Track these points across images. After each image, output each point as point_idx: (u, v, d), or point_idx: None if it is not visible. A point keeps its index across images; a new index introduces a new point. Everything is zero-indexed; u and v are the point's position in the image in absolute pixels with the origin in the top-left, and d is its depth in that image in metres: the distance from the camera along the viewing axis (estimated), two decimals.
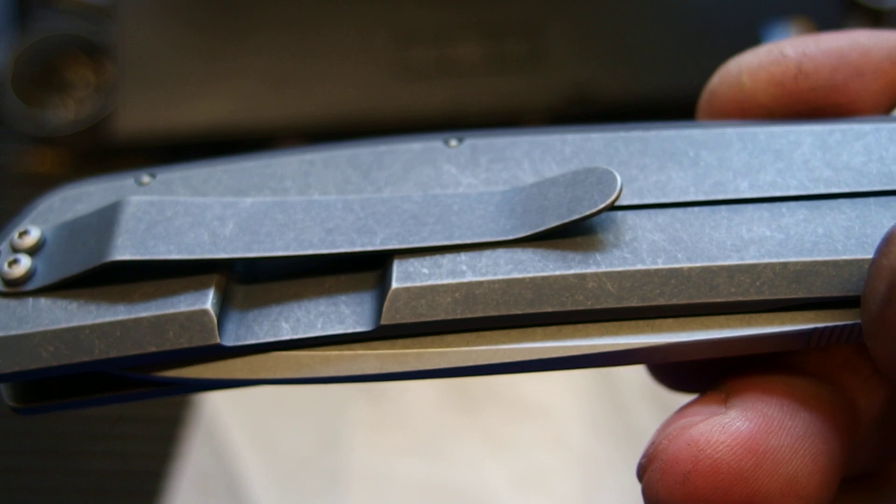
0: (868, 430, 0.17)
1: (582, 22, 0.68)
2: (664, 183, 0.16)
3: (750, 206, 0.16)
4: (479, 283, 0.15)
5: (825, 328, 0.15)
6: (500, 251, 0.15)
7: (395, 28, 0.68)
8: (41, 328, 0.14)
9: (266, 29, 0.68)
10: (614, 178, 0.15)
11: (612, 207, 0.15)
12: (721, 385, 0.17)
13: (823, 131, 0.18)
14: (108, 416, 0.64)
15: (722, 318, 0.15)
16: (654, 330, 0.15)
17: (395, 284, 0.14)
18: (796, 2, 0.68)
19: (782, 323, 0.15)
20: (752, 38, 0.67)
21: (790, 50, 0.19)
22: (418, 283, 0.14)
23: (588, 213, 0.15)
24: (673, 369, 0.19)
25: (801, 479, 0.15)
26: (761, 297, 0.15)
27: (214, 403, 0.63)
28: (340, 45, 0.67)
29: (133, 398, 0.15)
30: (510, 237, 0.15)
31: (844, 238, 0.16)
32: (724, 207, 0.16)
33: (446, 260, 0.15)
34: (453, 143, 0.17)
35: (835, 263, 0.15)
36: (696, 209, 0.16)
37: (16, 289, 0.15)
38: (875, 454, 0.19)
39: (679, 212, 0.16)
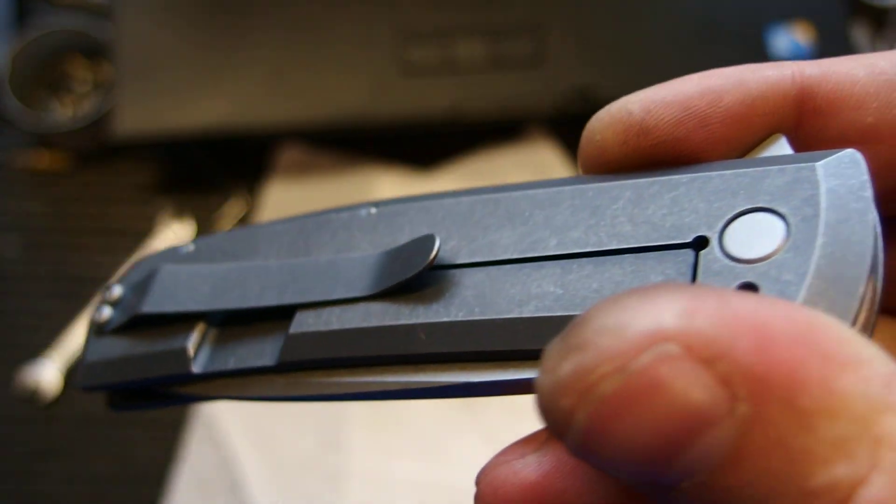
0: None
1: (585, 23, 0.68)
2: (495, 242, 0.19)
3: (550, 264, 0.18)
4: (340, 332, 0.19)
5: None
6: (361, 305, 0.19)
7: (397, 27, 0.68)
8: (106, 358, 0.21)
9: (267, 27, 0.67)
10: (433, 245, 0.18)
11: (437, 267, 0.18)
12: None
13: (644, 185, 0.18)
14: (108, 420, 0.64)
15: (513, 363, 0.17)
16: (460, 371, 0.18)
17: (290, 331, 0.19)
18: (802, 2, 0.67)
19: None
20: (756, 40, 0.66)
21: (636, 106, 0.19)
22: (304, 330, 0.19)
23: (410, 274, 0.18)
24: None
25: None
26: (532, 347, 0.17)
27: (215, 407, 0.63)
28: (342, 43, 0.67)
29: (166, 405, 0.21)
30: (368, 293, 0.19)
31: (612, 293, 0.17)
32: (529, 265, 0.18)
33: (326, 312, 0.19)
34: (372, 210, 0.20)
35: None
36: (509, 267, 0.18)
37: (102, 330, 0.21)
38: None
39: (494, 270, 0.18)
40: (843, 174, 0.16)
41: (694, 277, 0.16)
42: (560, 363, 0.13)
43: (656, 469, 0.13)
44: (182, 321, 0.20)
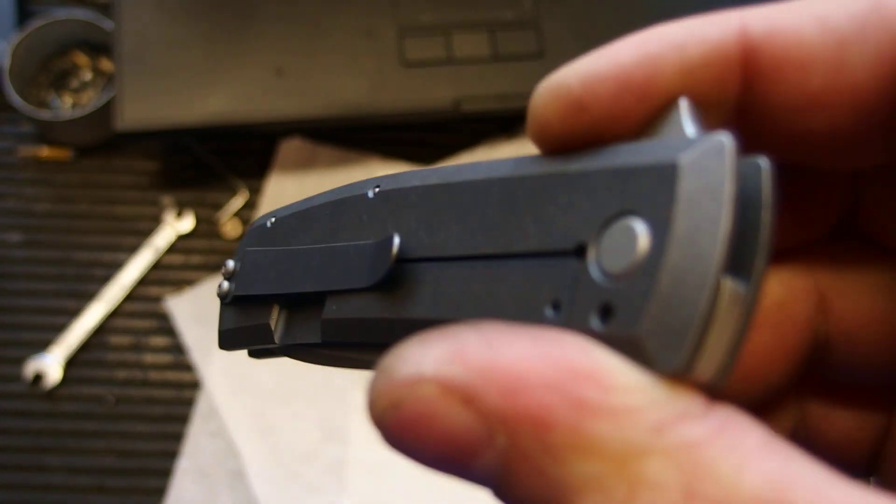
0: None
1: (584, 17, 0.68)
2: (447, 236, 0.19)
3: (479, 263, 0.18)
4: (347, 320, 0.21)
5: None
6: (360, 296, 0.20)
7: (398, 20, 0.68)
8: (228, 326, 0.24)
9: (268, 19, 0.67)
10: (391, 249, 0.19)
11: (405, 260, 0.19)
12: None
13: (556, 177, 0.17)
14: (110, 413, 0.64)
15: None
16: None
17: (322, 316, 0.21)
18: None
19: None
20: None
21: (575, 81, 0.18)
22: (328, 317, 0.21)
23: (380, 275, 0.19)
24: None
25: None
26: None
27: (216, 399, 0.63)
28: (343, 37, 0.67)
29: (284, 355, 0.24)
30: (363, 286, 0.20)
31: (505, 301, 0.17)
32: (464, 263, 0.18)
33: (341, 300, 0.21)
34: (375, 190, 0.21)
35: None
36: (450, 264, 0.18)
37: (225, 301, 0.24)
38: None
39: (443, 266, 0.19)
40: (705, 168, 0.14)
41: (575, 290, 0.15)
42: (365, 394, 0.16)
43: (457, 474, 0.15)
44: (264, 300, 0.23)
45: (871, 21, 0.16)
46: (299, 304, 0.23)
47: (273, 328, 0.23)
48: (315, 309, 0.22)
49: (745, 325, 0.14)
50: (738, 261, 0.14)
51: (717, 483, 0.12)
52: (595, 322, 0.15)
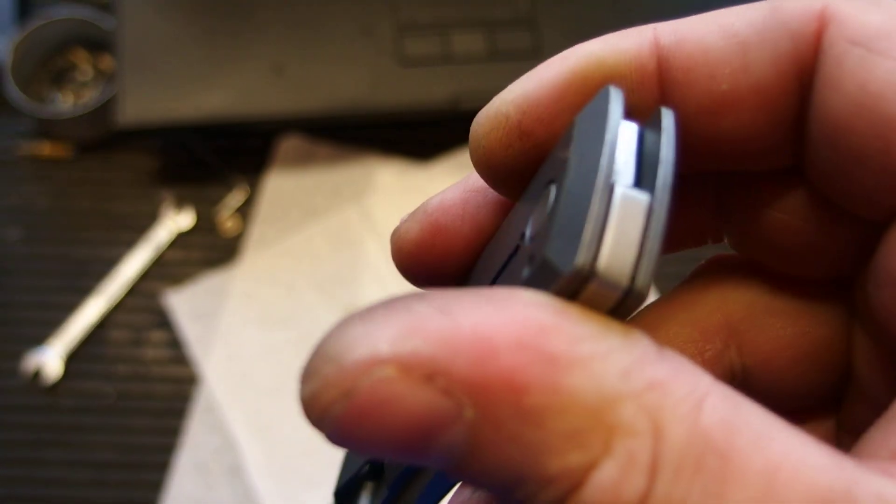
0: None
1: (579, 16, 0.68)
2: None
3: None
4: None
5: None
6: None
7: (396, 18, 0.68)
8: None
9: (268, 17, 0.68)
10: None
11: None
12: None
13: (525, 196, 0.18)
14: (109, 407, 0.64)
15: None
16: None
17: (385, 472, 0.22)
18: None
19: None
20: None
21: (511, 108, 0.18)
22: (393, 475, 0.21)
23: None
24: None
25: None
26: None
27: (216, 393, 0.64)
28: (342, 34, 0.68)
29: None
30: None
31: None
32: None
33: None
34: None
35: None
36: None
37: None
38: None
39: None
40: (593, 111, 0.15)
41: (518, 266, 0.16)
42: (302, 387, 0.14)
43: (411, 459, 0.14)
44: (356, 485, 0.23)
45: (768, 24, 0.17)
46: (380, 473, 0.23)
47: None
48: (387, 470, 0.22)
49: (654, 230, 0.14)
50: (646, 179, 0.15)
51: (681, 424, 0.13)
52: (525, 272, 0.15)
